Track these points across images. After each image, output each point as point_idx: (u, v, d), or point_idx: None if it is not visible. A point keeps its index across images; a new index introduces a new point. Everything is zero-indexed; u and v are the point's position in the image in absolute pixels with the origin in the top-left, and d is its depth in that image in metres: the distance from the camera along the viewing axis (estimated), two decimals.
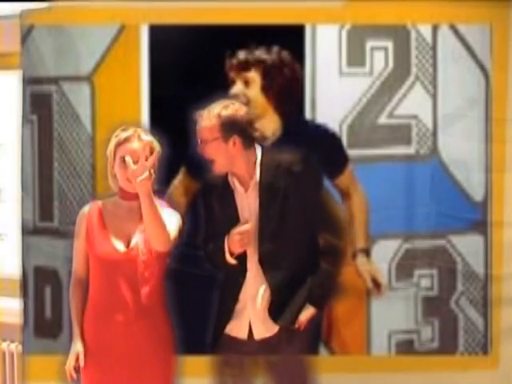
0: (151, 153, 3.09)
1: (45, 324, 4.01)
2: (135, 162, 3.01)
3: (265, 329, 3.20)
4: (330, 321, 3.94)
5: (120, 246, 3.09)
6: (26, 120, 3.99)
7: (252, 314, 3.19)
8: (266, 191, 3.15)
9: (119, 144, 3.10)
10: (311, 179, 3.19)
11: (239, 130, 3.14)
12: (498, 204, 3.98)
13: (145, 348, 3.06)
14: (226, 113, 3.14)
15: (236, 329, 3.22)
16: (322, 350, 3.94)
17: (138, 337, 3.07)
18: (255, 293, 3.18)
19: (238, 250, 3.13)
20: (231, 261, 3.15)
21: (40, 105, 3.99)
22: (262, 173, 3.17)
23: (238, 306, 3.19)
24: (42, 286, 4.01)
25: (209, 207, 3.26)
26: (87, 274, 3.15)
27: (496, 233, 3.99)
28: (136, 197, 3.10)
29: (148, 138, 3.14)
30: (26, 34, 3.93)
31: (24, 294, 3.99)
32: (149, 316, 3.08)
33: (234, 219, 3.18)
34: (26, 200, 3.99)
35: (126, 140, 3.10)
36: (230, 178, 3.21)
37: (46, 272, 3.97)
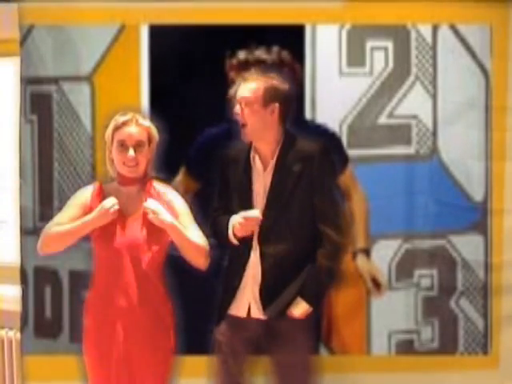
0: (149, 139, 3.10)
1: (45, 324, 4.01)
2: (133, 146, 3.01)
3: (259, 311, 3.18)
4: (329, 321, 3.95)
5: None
6: (25, 120, 3.99)
7: (252, 293, 3.18)
8: (281, 173, 3.15)
9: (117, 128, 3.08)
10: (326, 170, 3.17)
11: (280, 100, 3.15)
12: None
13: (145, 334, 3.06)
14: (271, 80, 3.16)
15: (237, 307, 3.20)
16: (322, 350, 3.94)
17: (139, 324, 3.06)
18: (257, 272, 3.18)
19: (239, 234, 3.13)
20: (234, 241, 3.16)
21: (40, 105, 3.99)
22: (282, 154, 3.17)
23: (242, 285, 3.19)
24: (42, 285, 4.01)
25: (225, 180, 3.24)
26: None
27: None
28: (134, 182, 3.10)
29: (146, 123, 3.12)
30: (26, 34, 3.93)
31: (23, 293, 3.99)
32: (151, 303, 3.08)
33: (247, 196, 3.18)
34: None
35: (124, 124, 3.08)
36: (252, 154, 3.20)
37: (45, 272, 3.97)
